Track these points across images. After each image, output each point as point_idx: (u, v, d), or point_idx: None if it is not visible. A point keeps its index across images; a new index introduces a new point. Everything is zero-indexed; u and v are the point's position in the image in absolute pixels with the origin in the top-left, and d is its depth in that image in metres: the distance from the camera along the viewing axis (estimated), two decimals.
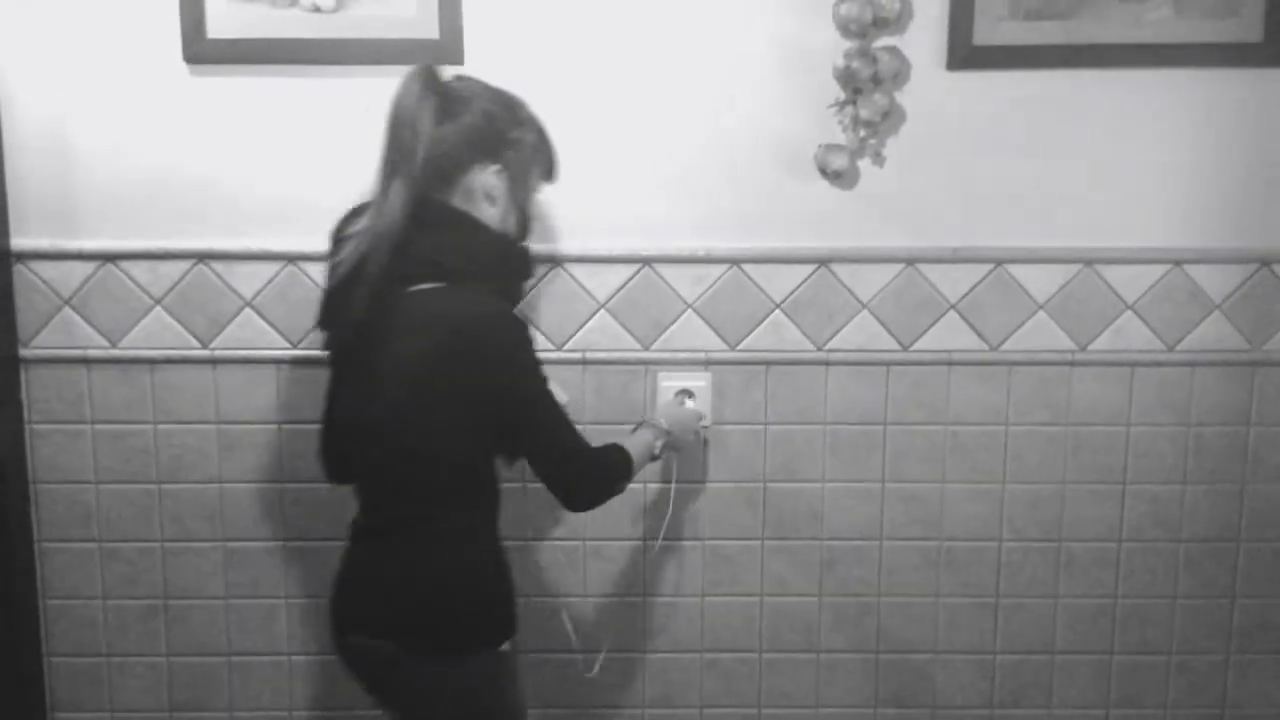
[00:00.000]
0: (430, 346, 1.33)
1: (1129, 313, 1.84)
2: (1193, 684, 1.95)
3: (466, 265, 1.35)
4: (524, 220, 1.47)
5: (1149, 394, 1.86)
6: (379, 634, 1.40)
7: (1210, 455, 1.88)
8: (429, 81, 1.37)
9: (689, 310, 1.83)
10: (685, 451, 1.80)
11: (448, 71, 1.42)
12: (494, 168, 1.40)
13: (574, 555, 1.90)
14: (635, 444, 1.55)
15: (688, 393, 1.82)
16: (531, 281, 1.60)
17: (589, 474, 1.45)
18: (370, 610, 1.42)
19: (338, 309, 1.38)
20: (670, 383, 1.83)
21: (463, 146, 1.38)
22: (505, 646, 1.45)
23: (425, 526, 1.39)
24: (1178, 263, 1.82)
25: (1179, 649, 1.94)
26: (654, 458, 1.62)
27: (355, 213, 1.42)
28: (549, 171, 1.50)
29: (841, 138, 1.77)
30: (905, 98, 1.78)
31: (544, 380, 1.40)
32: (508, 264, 1.44)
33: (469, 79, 1.45)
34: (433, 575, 1.39)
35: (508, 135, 1.41)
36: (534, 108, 1.46)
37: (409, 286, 1.34)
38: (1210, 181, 1.81)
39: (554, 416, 1.41)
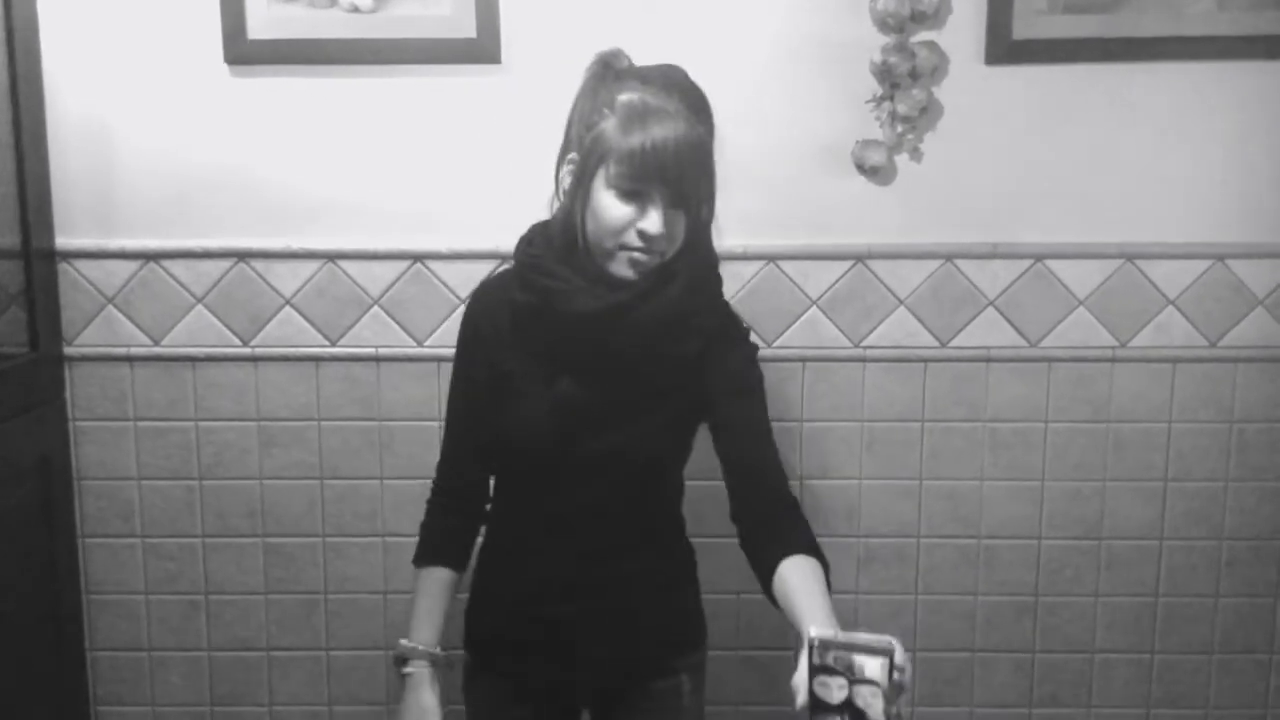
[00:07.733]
0: None
1: (1170, 308, 1.82)
2: (1234, 684, 1.93)
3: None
4: (580, 231, 1.21)
5: (1191, 390, 1.84)
6: None
7: (1253, 452, 1.86)
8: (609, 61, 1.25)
9: None
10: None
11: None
12: (570, 156, 1.23)
13: None
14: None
15: None
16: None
17: None
18: None
19: None
20: None
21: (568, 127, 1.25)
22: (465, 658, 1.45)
23: None
24: (1220, 258, 1.80)
25: (1220, 648, 1.92)
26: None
27: None
28: (618, 175, 1.17)
29: (879, 133, 1.77)
30: (943, 93, 1.77)
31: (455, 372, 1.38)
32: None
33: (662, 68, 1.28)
34: None
35: (591, 119, 1.20)
36: (631, 90, 1.21)
37: None
38: (1253, 176, 1.78)
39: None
